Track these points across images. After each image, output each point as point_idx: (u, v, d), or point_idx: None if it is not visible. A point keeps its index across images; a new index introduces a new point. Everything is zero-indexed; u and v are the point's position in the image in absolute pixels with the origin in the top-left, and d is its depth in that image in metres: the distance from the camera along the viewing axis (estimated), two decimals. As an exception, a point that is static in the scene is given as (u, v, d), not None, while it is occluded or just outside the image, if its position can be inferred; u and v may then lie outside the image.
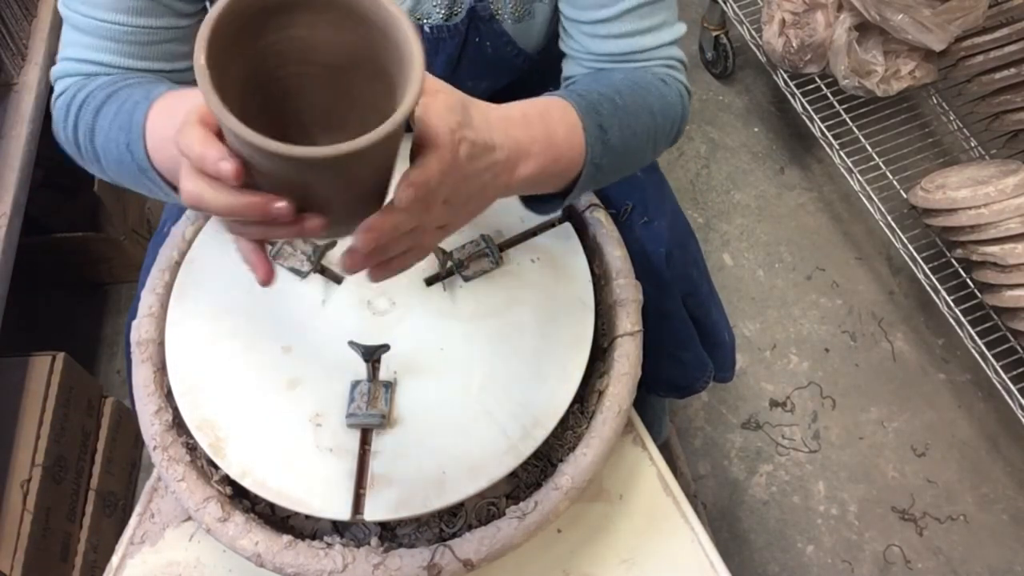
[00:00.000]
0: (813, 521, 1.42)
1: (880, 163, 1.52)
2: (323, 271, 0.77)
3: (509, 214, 0.69)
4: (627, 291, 0.76)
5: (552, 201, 0.68)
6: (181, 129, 0.45)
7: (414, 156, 0.49)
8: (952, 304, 1.39)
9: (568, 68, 0.78)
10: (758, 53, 1.65)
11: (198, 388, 0.71)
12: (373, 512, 0.65)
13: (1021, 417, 1.32)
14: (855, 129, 1.55)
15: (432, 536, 0.70)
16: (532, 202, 0.69)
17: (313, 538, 0.68)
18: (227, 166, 0.43)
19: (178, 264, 0.78)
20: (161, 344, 0.74)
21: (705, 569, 0.74)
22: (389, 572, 0.64)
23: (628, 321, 0.75)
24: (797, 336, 1.59)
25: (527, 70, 0.85)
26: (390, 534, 0.70)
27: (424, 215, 0.50)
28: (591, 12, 0.72)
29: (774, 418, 1.51)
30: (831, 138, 1.54)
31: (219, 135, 0.45)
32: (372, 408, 0.68)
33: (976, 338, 1.36)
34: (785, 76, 1.60)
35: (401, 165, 0.48)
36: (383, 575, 0.64)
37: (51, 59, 1.31)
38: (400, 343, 0.72)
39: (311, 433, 0.69)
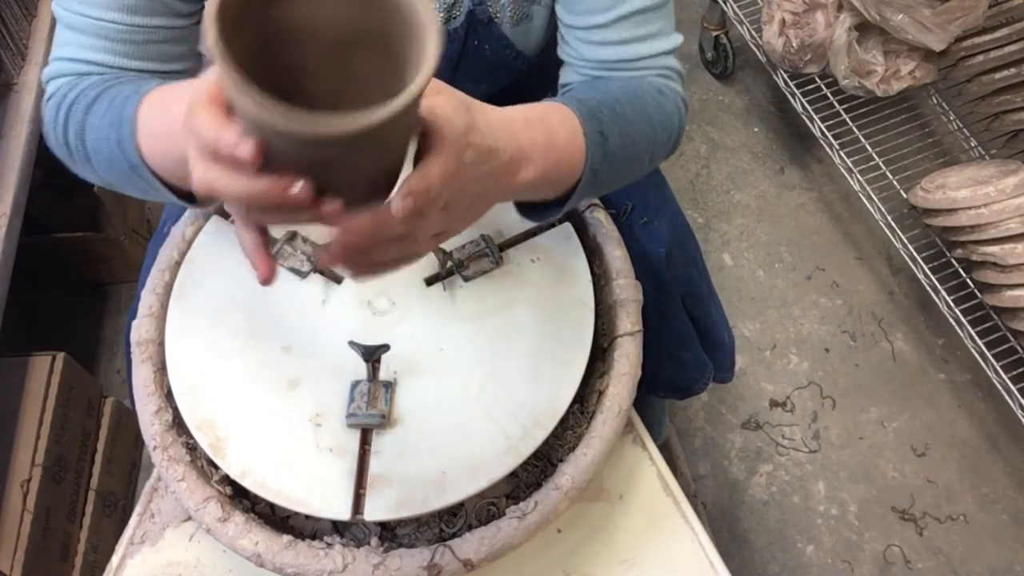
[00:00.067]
0: (813, 521, 1.42)
1: (880, 163, 1.52)
2: (323, 271, 0.77)
3: (509, 214, 0.69)
4: (627, 291, 0.76)
5: (549, 209, 0.67)
6: (191, 112, 0.43)
7: (418, 158, 0.48)
8: (952, 304, 1.39)
9: (565, 75, 0.78)
10: (758, 53, 1.65)
11: (198, 388, 0.71)
12: (373, 512, 0.65)
13: (1021, 417, 1.32)
14: (855, 129, 1.55)
15: (432, 536, 0.70)
16: (529, 210, 0.68)
17: (313, 538, 0.68)
18: (245, 148, 0.40)
19: (178, 264, 0.78)
20: (161, 344, 0.74)
21: (705, 569, 0.74)
22: (389, 572, 0.64)
23: (628, 321, 0.75)
24: (797, 336, 1.59)
25: (526, 73, 0.85)
26: (390, 534, 0.70)
27: (418, 223, 0.48)
28: (586, 18, 0.72)
29: (774, 418, 1.51)
30: (831, 138, 1.54)
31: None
32: (372, 408, 0.68)
33: (976, 338, 1.36)
34: (785, 76, 1.60)
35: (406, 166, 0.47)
36: (383, 575, 0.64)
37: (51, 59, 1.31)
38: (400, 343, 0.72)
39: (311, 433, 0.69)
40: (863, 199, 1.51)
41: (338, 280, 0.77)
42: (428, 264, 0.77)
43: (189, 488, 0.67)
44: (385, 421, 0.68)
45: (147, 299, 0.76)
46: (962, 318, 1.37)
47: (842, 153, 1.53)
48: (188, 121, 0.44)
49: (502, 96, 0.88)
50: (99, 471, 1.30)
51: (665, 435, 1.29)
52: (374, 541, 0.68)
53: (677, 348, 0.92)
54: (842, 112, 1.56)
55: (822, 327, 1.60)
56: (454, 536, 0.67)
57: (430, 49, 0.40)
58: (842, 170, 1.54)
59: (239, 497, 0.70)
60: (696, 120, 1.84)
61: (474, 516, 0.71)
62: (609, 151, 0.65)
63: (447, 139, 0.47)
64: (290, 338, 0.73)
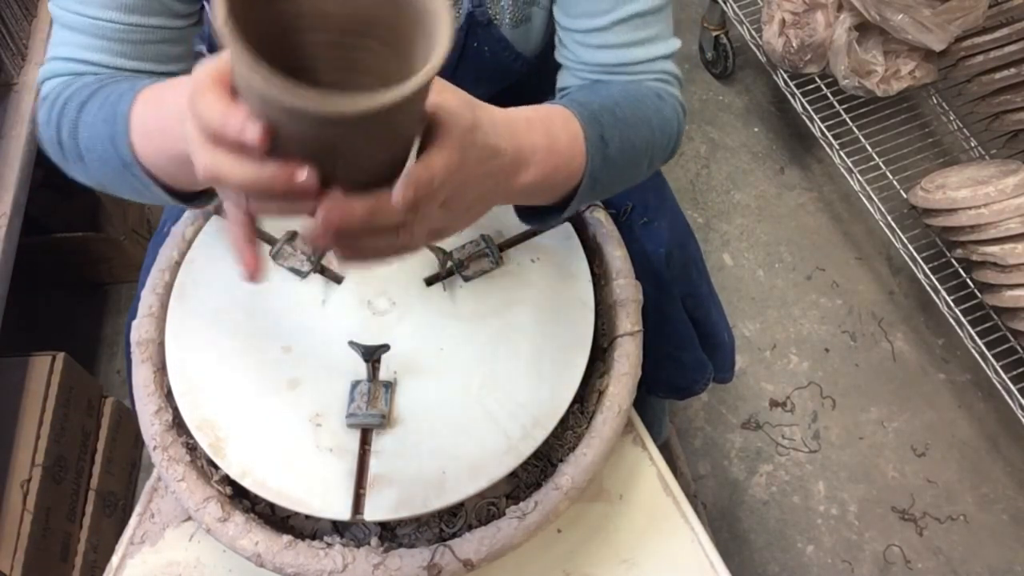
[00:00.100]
0: (813, 521, 1.42)
1: (880, 163, 1.52)
2: (323, 271, 0.77)
3: (509, 214, 0.69)
4: (627, 291, 0.76)
5: (548, 215, 0.67)
6: (195, 95, 0.42)
7: (421, 152, 0.47)
8: (952, 304, 1.39)
9: (563, 79, 0.77)
10: (758, 53, 1.65)
11: (198, 388, 0.71)
12: (373, 512, 0.65)
13: (1021, 417, 1.32)
14: (855, 129, 1.55)
15: (432, 536, 0.70)
16: (529, 216, 0.68)
17: (313, 538, 0.68)
18: (252, 131, 0.39)
19: (178, 264, 0.78)
20: (161, 344, 0.74)
21: (705, 569, 0.74)
22: (389, 572, 0.64)
23: (628, 321, 0.75)
24: (797, 336, 1.59)
25: (525, 75, 0.85)
26: (390, 534, 0.70)
27: (416, 215, 0.46)
28: (583, 21, 0.72)
29: (774, 418, 1.51)
30: (831, 138, 1.54)
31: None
32: (372, 408, 0.68)
33: (976, 338, 1.36)
34: (785, 76, 1.60)
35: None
36: (383, 575, 0.64)
37: (51, 59, 1.31)
38: (400, 343, 0.72)
39: (311, 433, 0.69)
40: (863, 199, 1.51)
41: (338, 280, 0.77)
42: (428, 264, 0.77)
43: (189, 488, 0.67)
44: (385, 421, 0.68)
45: (147, 299, 0.76)
46: (962, 318, 1.37)
47: (842, 153, 1.53)
48: (191, 104, 0.42)
49: (502, 98, 0.87)
50: (99, 471, 1.30)
51: (665, 435, 1.29)
52: (374, 541, 0.68)
53: (677, 348, 0.92)
54: (842, 112, 1.56)
55: (822, 327, 1.60)
56: (454, 536, 0.67)
57: (442, 37, 0.39)
58: (842, 170, 1.54)
59: (239, 497, 0.70)
60: (696, 120, 1.84)
61: (474, 516, 0.71)
62: (609, 156, 0.64)
63: (452, 133, 0.46)
64: (290, 338, 0.73)
